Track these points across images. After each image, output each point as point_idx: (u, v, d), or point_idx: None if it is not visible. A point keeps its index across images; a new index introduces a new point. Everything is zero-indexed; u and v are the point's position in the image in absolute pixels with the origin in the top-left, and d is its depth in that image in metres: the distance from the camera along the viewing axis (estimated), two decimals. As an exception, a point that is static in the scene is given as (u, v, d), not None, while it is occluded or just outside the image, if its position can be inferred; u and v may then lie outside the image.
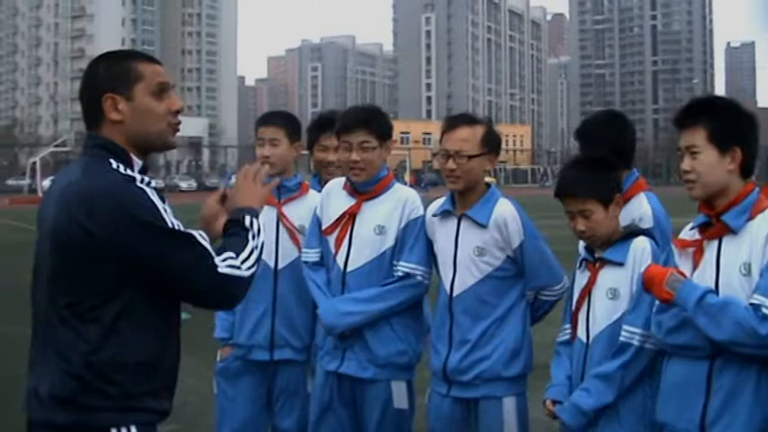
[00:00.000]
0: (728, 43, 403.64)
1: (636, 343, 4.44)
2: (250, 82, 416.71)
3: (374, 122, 5.39)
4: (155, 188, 3.34)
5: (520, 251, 5.06)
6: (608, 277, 4.64)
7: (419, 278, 5.31)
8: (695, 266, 4.16)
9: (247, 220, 3.57)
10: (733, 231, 4.05)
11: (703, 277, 4.09)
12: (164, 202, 3.34)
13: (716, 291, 4.02)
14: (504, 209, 5.10)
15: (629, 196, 5.12)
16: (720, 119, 4.10)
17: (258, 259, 3.50)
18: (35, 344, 3.39)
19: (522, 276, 5.10)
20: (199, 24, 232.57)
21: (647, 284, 4.20)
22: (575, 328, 4.76)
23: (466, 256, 5.10)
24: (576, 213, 4.64)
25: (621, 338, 4.48)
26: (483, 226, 5.06)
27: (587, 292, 4.69)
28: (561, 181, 4.80)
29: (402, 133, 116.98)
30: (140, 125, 3.43)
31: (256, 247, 3.51)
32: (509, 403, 5.07)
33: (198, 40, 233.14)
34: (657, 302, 4.24)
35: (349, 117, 5.45)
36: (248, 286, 3.43)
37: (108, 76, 3.41)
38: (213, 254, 3.29)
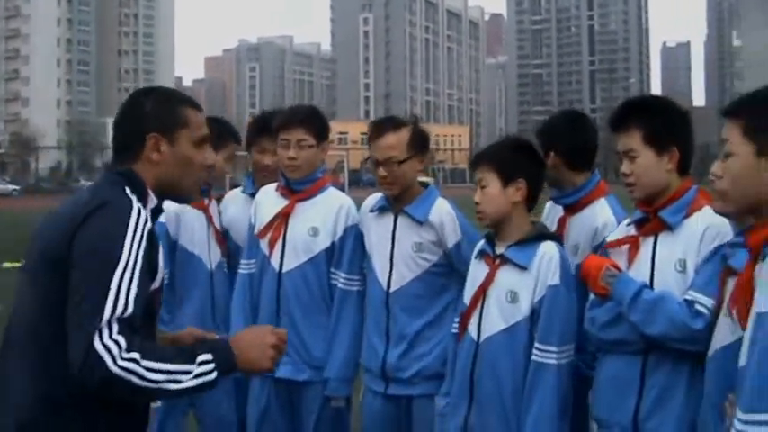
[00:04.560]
0: (664, 43, 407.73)
1: (552, 362, 4.31)
2: (187, 83, 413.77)
3: (313, 122, 5.41)
4: (150, 232, 3.10)
5: (456, 251, 5.06)
6: (508, 278, 4.44)
7: (356, 288, 5.34)
8: (630, 262, 4.19)
9: (208, 365, 3.02)
10: (669, 228, 4.10)
11: (638, 273, 4.11)
12: (152, 247, 3.08)
13: (651, 287, 4.06)
14: (442, 208, 5.11)
15: (589, 200, 5.04)
16: (655, 120, 4.13)
17: (170, 393, 2.97)
18: None
19: (457, 275, 5.06)
20: (136, 24, 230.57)
21: (582, 277, 4.22)
22: (464, 323, 4.57)
23: (404, 251, 5.08)
24: (477, 184, 4.53)
25: (535, 358, 4.33)
26: (420, 223, 5.06)
27: (483, 289, 4.49)
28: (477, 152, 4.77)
29: (340, 134, 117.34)
30: (175, 172, 3.34)
31: (180, 381, 2.95)
32: (442, 401, 4.99)
33: (135, 40, 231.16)
34: (591, 297, 4.25)
35: (288, 115, 5.45)
36: (135, 394, 2.93)
37: (156, 116, 3.32)
38: (115, 326, 2.85)
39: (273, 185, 5.57)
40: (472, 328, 4.51)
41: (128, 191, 3.19)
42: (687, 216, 4.10)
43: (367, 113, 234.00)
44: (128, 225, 2.99)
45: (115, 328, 2.84)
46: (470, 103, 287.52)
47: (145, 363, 2.86)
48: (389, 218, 5.18)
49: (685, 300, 3.92)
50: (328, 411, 5.36)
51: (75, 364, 2.83)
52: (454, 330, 4.71)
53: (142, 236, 3.02)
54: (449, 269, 5.11)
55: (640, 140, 4.10)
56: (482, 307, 4.48)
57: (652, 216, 4.16)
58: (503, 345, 4.39)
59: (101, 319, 2.82)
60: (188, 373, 2.95)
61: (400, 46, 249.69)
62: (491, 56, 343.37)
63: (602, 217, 4.89)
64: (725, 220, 3.89)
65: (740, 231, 3.36)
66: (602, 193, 5.06)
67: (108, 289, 2.87)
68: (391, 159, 5.00)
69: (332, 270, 5.38)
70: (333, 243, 5.36)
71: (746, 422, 2.80)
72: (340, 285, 5.34)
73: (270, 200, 5.50)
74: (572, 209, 5.04)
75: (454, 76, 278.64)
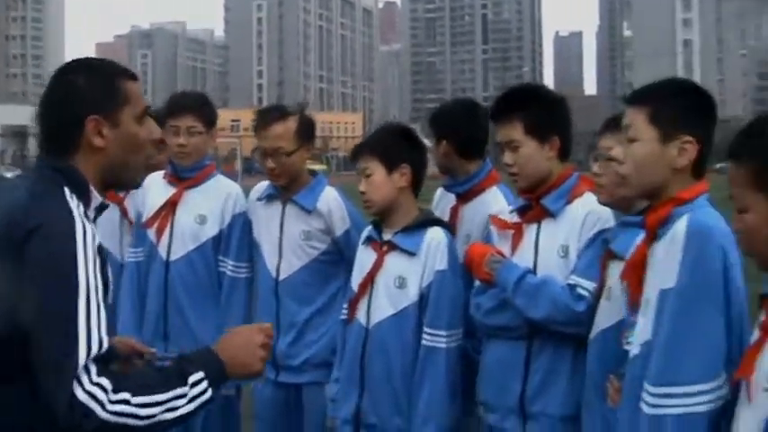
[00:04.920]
0: (557, 32, 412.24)
1: (442, 345, 4.35)
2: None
3: (202, 109, 5.40)
4: (99, 246, 2.69)
5: (344, 239, 5.07)
6: (396, 264, 4.46)
7: (245, 275, 5.35)
8: (514, 249, 4.26)
9: (202, 383, 2.72)
10: (551, 215, 4.18)
11: (522, 259, 4.19)
12: (103, 263, 2.68)
13: (534, 272, 4.15)
14: (330, 196, 5.12)
15: (481, 188, 5.04)
16: (535, 110, 4.19)
17: (168, 423, 2.64)
18: None
19: (346, 263, 5.06)
20: (24, 9, 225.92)
21: (467, 264, 4.31)
22: (353, 310, 4.58)
23: (292, 240, 5.08)
24: (361, 173, 4.53)
25: (425, 342, 4.37)
26: (309, 211, 5.06)
27: (372, 275, 4.50)
28: (358, 143, 4.81)
29: (233, 121, 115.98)
30: (121, 155, 2.91)
31: (176, 408, 2.65)
32: (331, 390, 4.96)
33: (23, 24, 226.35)
34: (477, 284, 4.31)
35: (177, 102, 5.43)
36: None
37: (93, 95, 2.86)
38: (93, 368, 2.52)
39: (161, 173, 5.51)
40: (361, 314, 4.52)
41: (67, 192, 2.75)
42: (568, 202, 4.18)
43: (260, 100, 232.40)
44: (76, 245, 2.60)
45: (94, 369, 2.51)
46: (364, 90, 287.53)
47: (136, 400, 2.56)
48: (277, 206, 5.17)
49: (568, 284, 4.03)
50: (218, 399, 5.30)
51: (60, 417, 2.50)
52: (343, 317, 4.72)
53: (94, 253, 2.65)
54: (337, 257, 5.13)
55: (521, 131, 4.15)
56: (371, 293, 4.49)
57: (534, 203, 4.23)
58: (392, 330, 4.40)
59: (76, 365, 2.49)
60: (182, 396, 2.66)
61: (294, 33, 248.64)
62: (385, 43, 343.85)
63: (496, 205, 4.86)
64: (605, 207, 4.03)
65: (638, 212, 3.50)
66: (494, 182, 5.07)
67: (75, 325, 2.53)
68: (279, 150, 4.98)
69: (220, 258, 5.36)
70: (221, 231, 5.34)
71: (656, 395, 2.92)
72: (228, 273, 5.34)
73: (157, 188, 5.43)
74: (464, 197, 5.05)
75: (348, 63, 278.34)
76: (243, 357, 2.86)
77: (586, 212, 4.12)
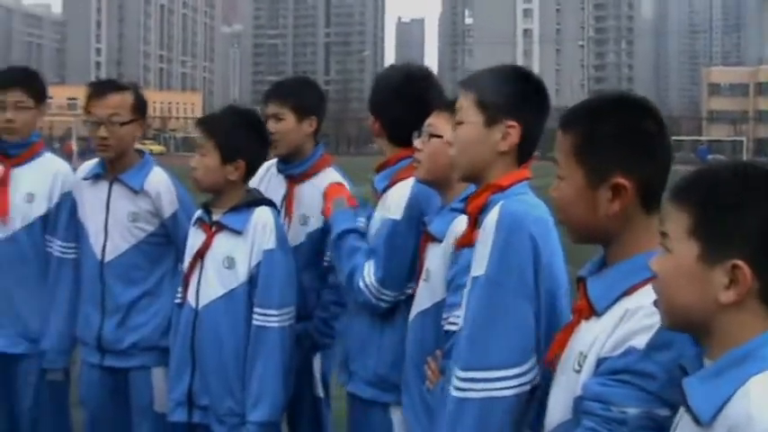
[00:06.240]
0: (399, 18, 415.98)
1: (274, 325, 4.42)
2: None
3: (31, 83, 5.25)
4: None
5: (173, 221, 4.99)
6: (224, 244, 4.48)
7: (72, 256, 5.16)
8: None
9: None
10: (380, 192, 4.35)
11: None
12: None
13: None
14: (159, 178, 5.03)
15: (315, 171, 5.11)
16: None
17: None
18: None
19: (174, 245, 5.02)
20: None
21: (324, 196, 4.49)
22: (185, 290, 4.59)
23: (118, 221, 4.97)
24: (198, 147, 4.57)
25: (256, 322, 4.42)
26: (136, 192, 4.96)
27: (200, 255, 4.52)
28: (204, 116, 4.93)
29: (70, 99, 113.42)
30: None
31: None
32: (158, 374, 4.98)
33: None
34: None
35: (4, 76, 5.27)
36: None
37: None
38: None
39: None
40: (191, 295, 4.52)
41: None
42: (392, 184, 4.25)
43: (98, 78, 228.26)
44: None
45: None
46: (204, 71, 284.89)
47: None
48: (104, 186, 5.03)
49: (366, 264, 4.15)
50: (45, 385, 5.21)
51: None
52: (177, 300, 4.67)
53: None
54: (165, 239, 5.05)
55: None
56: (200, 274, 4.50)
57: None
58: (222, 311, 4.43)
59: None
60: None
61: (134, 11, 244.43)
62: (227, 24, 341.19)
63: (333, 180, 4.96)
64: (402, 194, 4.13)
65: (462, 198, 3.53)
66: (327, 164, 5.16)
67: None
68: (113, 118, 4.85)
69: (47, 237, 5.20)
70: (48, 209, 5.19)
71: (464, 379, 2.95)
72: (56, 254, 5.18)
73: None
74: (297, 179, 5.07)
75: (189, 43, 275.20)
76: None
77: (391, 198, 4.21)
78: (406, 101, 4.29)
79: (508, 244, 2.98)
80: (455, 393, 2.99)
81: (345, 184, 4.90)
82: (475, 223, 3.26)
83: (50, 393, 5.25)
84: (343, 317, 4.84)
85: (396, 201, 4.14)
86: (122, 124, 4.89)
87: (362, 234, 4.26)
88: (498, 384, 2.91)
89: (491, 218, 3.06)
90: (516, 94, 3.27)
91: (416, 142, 3.91)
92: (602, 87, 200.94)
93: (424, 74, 4.47)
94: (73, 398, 5.46)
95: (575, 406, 2.45)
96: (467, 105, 3.28)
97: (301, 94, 5.15)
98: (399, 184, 4.19)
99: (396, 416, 4.17)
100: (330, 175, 5.06)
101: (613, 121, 2.58)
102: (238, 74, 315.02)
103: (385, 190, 4.27)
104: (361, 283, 4.10)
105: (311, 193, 4.98)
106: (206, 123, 4.58)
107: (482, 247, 3.06)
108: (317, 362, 5.25)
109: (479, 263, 3.04)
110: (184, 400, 4.52)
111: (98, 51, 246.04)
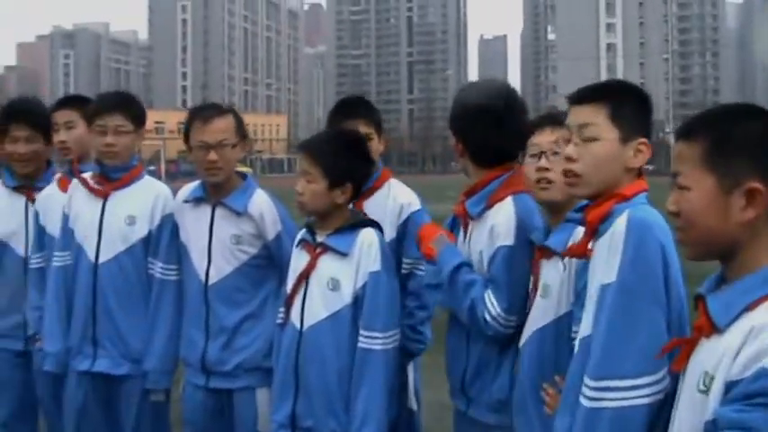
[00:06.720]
0: (482, 35, 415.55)
1: (378, 347, 4.36)
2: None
3: (130, 107, 5.31)
4: None
5: (276, 242, 5.00)
6: (329, 265, 4.43)
7: (174, 278, 5.21)
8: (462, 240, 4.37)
9: None
10: (473, 218, 4.28)
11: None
12: None
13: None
14: (261, 200, 5.04)
15: (379, 184, 5.19)
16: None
17: None
18: None
19: (277, 266, 5.01)
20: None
21: (417, 240, 4.40)
22: (288, 311, 4.56)
23: (222, 244, 4.98)
24: (301, 173, 4.47)
25: (361, 345, 4.37)
26: (239, 214, 4.97)
27: (305, 276, 4.47)
28: (308, 138, 4.76)
29: (157, 123, 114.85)
30: None
31: None
32: (262, 395, 4.98)
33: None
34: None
35: (105, 101, 5.33)
36: None
37: None
38: None
39: (88, 174, 5.40)
40: (295, 316, 4.49)
41: None
42: (488, 207, 4.20)
43: (184, 103, 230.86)
44: None
45: None
46: (289, 93, 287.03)
47: None
48: (206, 209, 5.06)
49: (484, 296, 4.08)
50: (148, 405, 5.25)
51: None
52: (279, 321, 4.66)
53: None
54: (268, 261, 5.04)
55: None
56: (304, 295, 4.46)
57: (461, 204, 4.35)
58: (326, 332, 4.38)
59: None
60: None
61: (218, 35, 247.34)
62: (310, 46, 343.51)
63: (402, 196, 5.19)
64: (510, 216, 4.08)
65: (579, 208, 3.47)
66: (388, 178, 5.26)
67: None
68: (223, 142, 4.88)
69: (149, 259, 5.25)
70: (150, 232, 5.24)
71: (595, 388, 2.94)
72: (157, 275, 5.22)
73: (83, 191, 5.35)
74: (364, 195, 5.02)
75: (273, 65, 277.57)
76: None
77: (491, 226, 4.15)
78: (487, 122, 4.19)
79: (639, 251, 2.96)
80: (587, 404, 2.96)
81: (413, 193, 5.14)
82: (593, 233, 3.23)
83: (152, 413, 5.29)
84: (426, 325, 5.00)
85: (504, 225, 4.08)
86: (232, 146, 4.93)
87: (471, 266, 4.20)
88: (633, 393, 2.88)
89: (620, 225, 3.03)
90: (642, 110, 3.27)
91: (543, 161, 3.82)
92: (688, 101, 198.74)
93: (505, 91, 4.36)
94: (173, 417, 5.51)
95: (705, 430, 2.39)
96: (600, 120, 3.22)
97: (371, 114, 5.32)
98: (497, 207, 4.14)
99: None
100: (396, 188, 5.23)
101: (748, 125, 2.50)
102: (322, 95, 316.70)
103: (481, 213, 4.23)
104: (487, 317, 4.03)
105: (379, 207, 5.03)
106: (311, 149, 4.51)
107: (610, 256, 3.03)
108: (410, 374, 5.27)
109: (609, 270, 3.00)
110: (288, 423, 4.49)
111: (184, 75, 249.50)
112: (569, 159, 3.30)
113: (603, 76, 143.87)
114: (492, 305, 4.02)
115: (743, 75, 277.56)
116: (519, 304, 4.02)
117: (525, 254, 4.02)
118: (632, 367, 2.90)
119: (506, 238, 4.06)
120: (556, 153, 3.77)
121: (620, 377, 2.90)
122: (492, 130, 4.15)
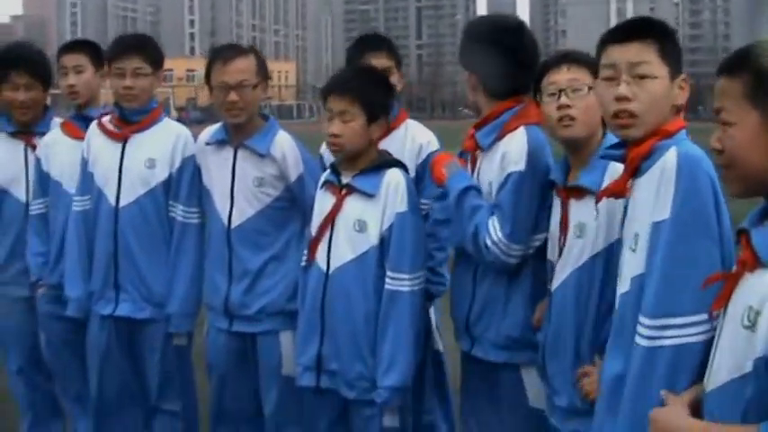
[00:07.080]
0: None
1: (405, 289, 4.33)
2: (4, 18, 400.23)
3: (148, 49, 5.28)
4: None
5: (298, 184, 4.95)
6: (355, 207, 4.40)
7: (196, 221, 5.21)
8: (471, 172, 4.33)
9: None
10: (482, 149, 4.27)
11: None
12: None
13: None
14: (284, 141, 4.98)
15: (396, 124, 5.16)
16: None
17: None
18: None
19: (299, 208, 4.98)
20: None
21: (430, 167, 4.41)
22: (312, 253, 4.50)
23: (244, 186, 4.94)
24: (336, 114, 4.36)
25: (388, 286, 4.34)
26: (262, 156, 4.92)
27: (331, 218, 4.44)
28: (332, 78, 4.61)
29: (165, 70, 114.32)
30: None
31: None
32: (286, 338, 4.96)
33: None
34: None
35: (122, 44, 5.29)
36: None
37: None
38: None
39: (106, 118, 5.36)
40: (321, 258, 4.46)
41: None
42: (498, 139, 4.17)
43: (192, 50, 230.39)
44: None
45: None
46: (297, 39, 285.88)
47: None
48: (229, 151, 5.00)
49: (489, 221, 4.05)
50: (170, 348, 5.26)
51: None
52: (303, 263, 4.62)
53: None
54: (290, 204, 5.01)
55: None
56: (330, 237, 4.43)
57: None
58: (352, 274, 4.36)
59: None
60: None
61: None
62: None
63: (420, 136, 5.26)
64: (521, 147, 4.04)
65: (613, 145, 3.44)
66: (404, 119, 5.29)
67: None
68: (243, 83, 4.83)
69: (170, 202, 5.22)
70: (170, 174, 5.20)
71: (653, 327, 2.90)
72: (179, 218, 5.21)
73: (100, 134, 5.32)
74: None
75: (280, 11, 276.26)
76: None
77: (502, 154, 4.11)
78: (500, 53, 4.16)
79: (693, 186, 2.93)
80: (645, 343, 2.91)
81: (431, 133, 5.21)
82: (634, 170, 3.19)
83: (175, 357, 5.30)
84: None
85: (516, 152, 4.04)
86: (253, 87, 4.87)
87: (480, 191, 4.17)
88: (692, 330, 2.84)
89: (670, 161, 3.00)
90: (678, 46, 3.24)
91: (564, 99, 3.75)
92: (698, 45, 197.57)
93: (516, 24, 4.37)
94: (196, 361, 5.51)
95: (755, 366, 2.30)
96: (652, 58, 3.16)
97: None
98: (509, 137, 4.10)
99: (527, 376, 4.13)
100: (413, 128, 5.28)
101: None
102: (330, 40, 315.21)
103: (491, 144, 4.20)
104: (488, 241, 4.00)
105: (397, 147, 4.98)
106: (346, 88, 4.42)
107: (661, 192, 2.99)
108: (433, 315, 5.26)
109: (660, 208, 2.97)
110: (313, 365, 4.48)
111: (191, 23, 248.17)
112: (624, 99, 3.17)
113: (613, 21, 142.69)
114: (494, 230, 3.99)
115: (753, 20, 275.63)
116: (522, 234, 4.00)
117: (535, 184, 4.00)
118: (690, 304, 2.85)
119: (518, 164, 4.01)
120: (575, 90, 3.74)
121: (677, 314, 2.86)
122: (505, 59, 4.11)
